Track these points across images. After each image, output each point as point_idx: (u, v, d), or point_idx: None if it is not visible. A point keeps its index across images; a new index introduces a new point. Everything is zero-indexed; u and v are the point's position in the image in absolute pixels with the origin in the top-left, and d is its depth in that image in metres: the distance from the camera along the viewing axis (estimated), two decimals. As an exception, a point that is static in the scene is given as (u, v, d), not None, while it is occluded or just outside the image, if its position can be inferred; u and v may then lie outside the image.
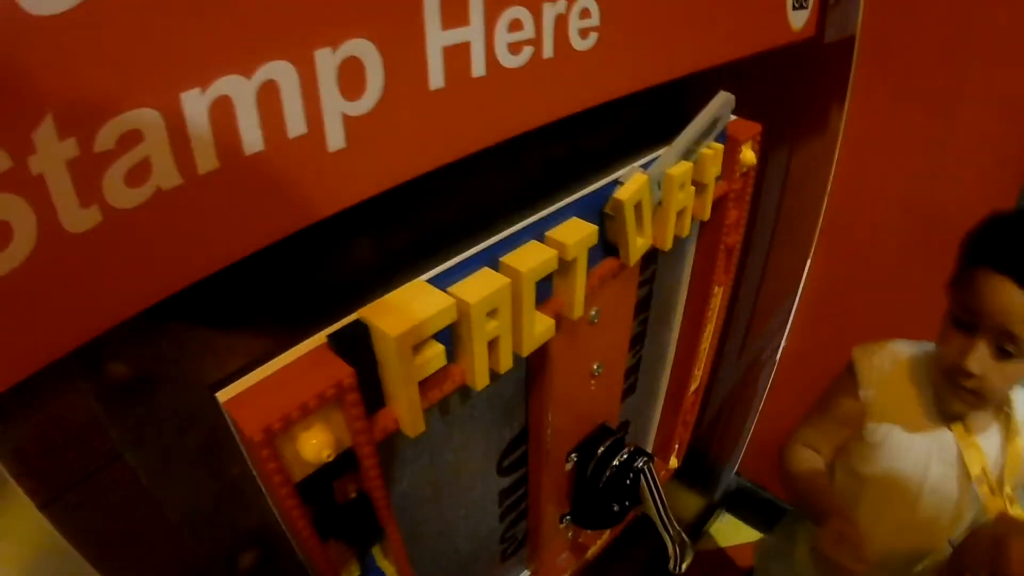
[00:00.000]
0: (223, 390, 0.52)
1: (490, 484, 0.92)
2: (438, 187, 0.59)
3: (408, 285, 0.59)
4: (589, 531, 1.14)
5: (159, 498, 0.55)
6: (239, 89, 0.40)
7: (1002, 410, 1.16)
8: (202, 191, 0.41)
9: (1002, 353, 0.99)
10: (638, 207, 0.73)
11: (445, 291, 0.60)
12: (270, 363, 0.54)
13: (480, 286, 0.61)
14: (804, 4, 0.98)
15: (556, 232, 0.67)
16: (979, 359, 1.00)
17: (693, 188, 0.83)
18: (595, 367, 0.87)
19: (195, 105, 0.38)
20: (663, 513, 0.81)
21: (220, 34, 0.38)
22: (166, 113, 0.37)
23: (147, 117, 0.37)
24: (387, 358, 0.57)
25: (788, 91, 1.22)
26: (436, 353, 0.59)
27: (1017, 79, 1.27)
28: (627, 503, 0.97)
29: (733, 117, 0.92)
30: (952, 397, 1.09)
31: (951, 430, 1.17)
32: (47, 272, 0.36)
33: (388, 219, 0.61)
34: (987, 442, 1.16)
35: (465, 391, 0.77)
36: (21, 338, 0.37)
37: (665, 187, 0.78)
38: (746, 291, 1.48)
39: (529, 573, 1.15)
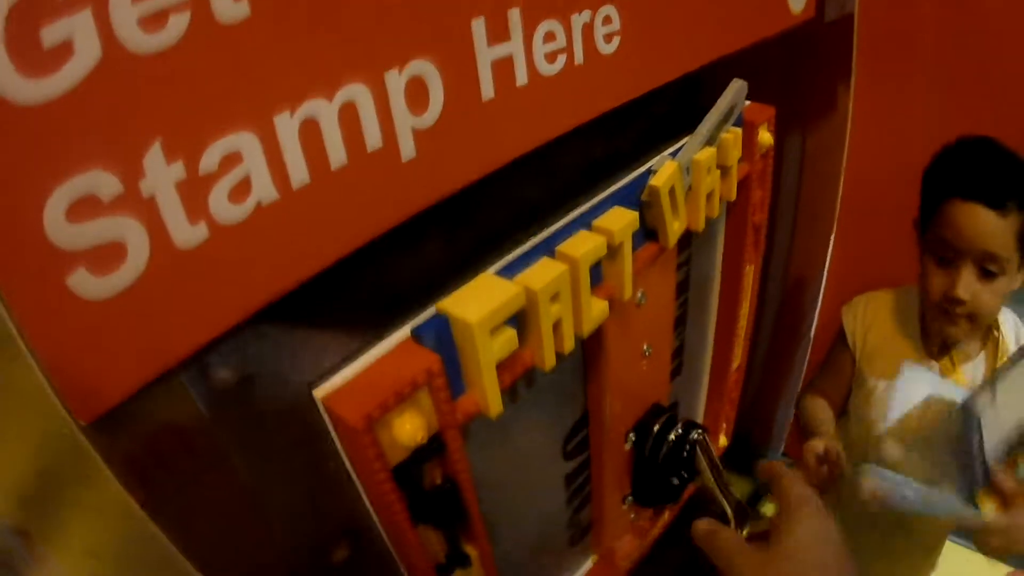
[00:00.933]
0: (319, 387, 0.58)
1: (556, 468, 0.97)
2: (494, 188, 0.65)
3: (478, 278, 0.65)
4: (650, 511, 1.18)
5: (259, 496, 0.59)
6: (323, 111, 0.45)
7: (991, 333, 1.22)
8: (297, 204, 0.45)
9: (986, 274, 1.07)
10: (672, 192, 0.79)
11: (512, 280, 0.66)
12: (361, 359, 0.60)
13: (543, 273, 0.67)
14: (802, -13, 1.03)
15: (602, 221, 0.73)
16: (967, 285, 1.07)
17: (718, 171, 0.89)
18: (645, 348, 0.92)
19: (286, 127, 0.43)
20: (720, 481, 0.86)
21: (304, 63, 0.43)
22: (262, 135, 0.42)
23: (245, 140, 0.41)
24: (468, 344, 0.62)
25: (795, 73, 1.27)
26: (510, 336, 0.65)
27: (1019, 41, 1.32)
28: (685, 476, 1.02)
29: (748, 102, 0.98)
30: (948, 327, 1.16)
31: (938, 363, 1.23)
32: (160, 287, 0.40)
33: (452, 221, 0.67)
34: (974, 371, 1.23)
35: (530, 378, 0.82)
36: (138, 350, 0.41)
37: (694, 172, 0.84)
38: (775, 270, 1.53)
39: (594, 559, 1.18)
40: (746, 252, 1.09)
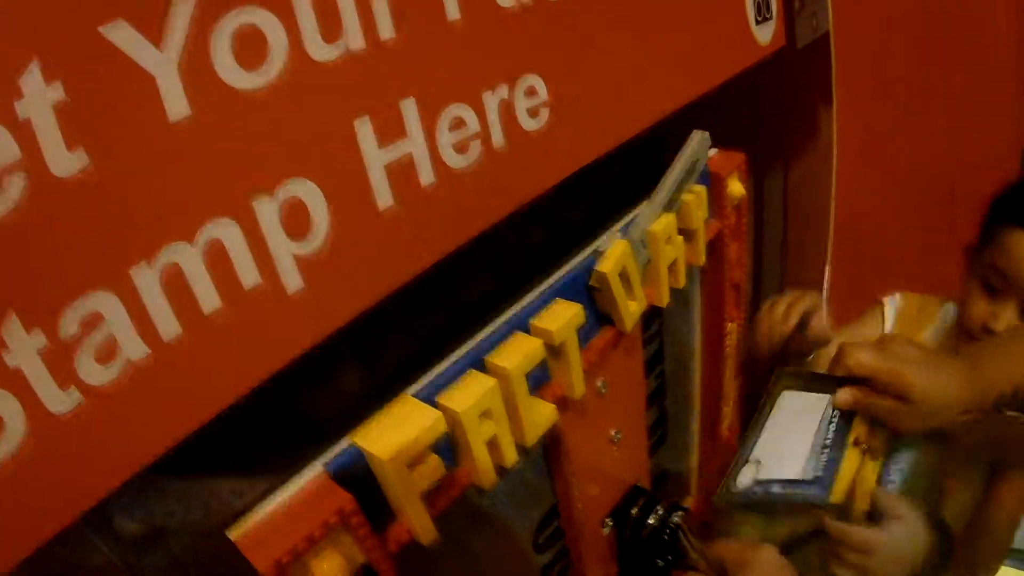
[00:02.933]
0: (234, 528, 0.53)
1: (530, 563, 0.91)
2: (414, 297, 0.58)
3: (395, 402, 0.59)
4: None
5: None
6: (185, 254, 0.41)
7: None
8: (173, 355, 0.42)
9: None
10: (623, 274, 0.71)
11: (434, 401, 0.60)
12: (274, 497, 0.55)
13: (468, 392, 0.60)
14: (768, 16, 0.96)
15: (540, 319, 0.66)
16: (1008, 321, 0.98)
17: (681, 237, 0.81)
18: (613, 435, 0.85)
19: (145, 278, 0.39)
20: (706, 559, 0.79)
21: (156, 207, 0.40)
22: (119, 291, 0.39)
23: (102, 299, 0.38)
24: (384, 479, 0.56)
25: (772, 104, 1.20)
26: (434, 465, 0.58)
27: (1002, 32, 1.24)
28: (670, 558, 0.94)
29: (714, 151, 0.91)
30: None
31: None
32: (43, 453, 0.38)
33: (369, 339, 0.60)
34: None
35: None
36: (27, 516, 0.38)
37: (650, 245, 0.76)
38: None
39: None
40: (726, 312, 1.02)
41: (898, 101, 1.40)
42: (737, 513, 1.24)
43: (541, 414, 0.67)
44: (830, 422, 0.88)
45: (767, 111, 1.19)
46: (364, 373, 0.63)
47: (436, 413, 0.57)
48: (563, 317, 0.66)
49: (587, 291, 0.72)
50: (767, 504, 0.91)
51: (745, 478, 0.87)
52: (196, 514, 0.54)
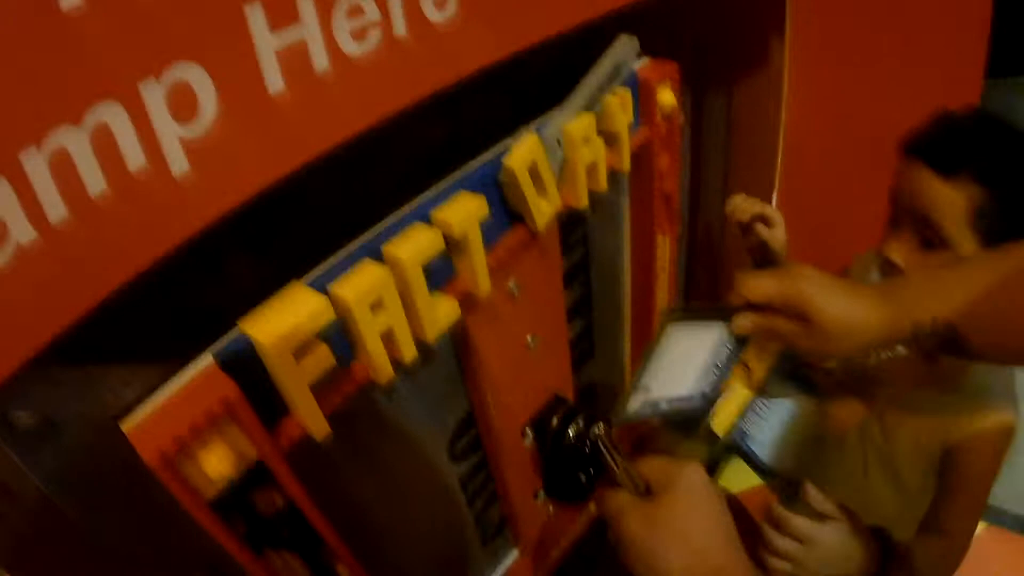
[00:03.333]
0: (126, 419, 0.51)
1: (446, 472, 0.89)
2: (317, 187, 0.57)
3: (284, 290, 0.57)
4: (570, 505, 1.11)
5: (96, 534, 0.56)
6: (72, 137, 0.40)
7: None
8: (59, 239, 0.42)
9: (924, 243, 0.97)
10: (534, 170, 0.70)
11: (327, 290, 0.58)
12: (166, 387, 0.53)
13: (359, 280, 0.58)
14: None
15: (441, 210, 0.64)
16: (899, 247, 0.99)
17: (602, 140, 0.79)
18: (529, 340, 0.84)
19: (34, 162, 0.39)
20: (629, 475, 0.78)
21: (44, 90, 0.39)
22: (9, 175, 0.39)
23: None
24: (270, 366, 0.55)
25: (719, 26, 1.17)
26: (322, 355, 0.57)
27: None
28: (591, 472, 0.94)
29: (645, 60, 0.88)
30: None
31: None
32: None
33: (274, 232, 0.61)
34: None
35: (390, 384, 0.74)
36: None
37: (566, 144, 0.74)
38: (705, 238, 1.44)
39: (517, 553, 1.12)
40: (657, 224, 1.00)
41: (855, 40, 1.36)
42: (668, 433, 1.26)
43: (442, 309, 0.65)
44: (723, 347, 0.89)
45: (713, 32, 1.16)
46: (267, 265, 0.60)
47: (323, 299, 0.55)
48: (464, 209, 0.64)
49: (497, 187, 0.70)
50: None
51: (636, 402, 0.88)
52: (90, 406, 0.53)
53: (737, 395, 0.94)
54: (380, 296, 0.59)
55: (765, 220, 1.17)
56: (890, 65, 1.34)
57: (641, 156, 0.93)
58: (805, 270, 0.80)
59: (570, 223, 0.91)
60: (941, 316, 0.72)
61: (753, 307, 0.82)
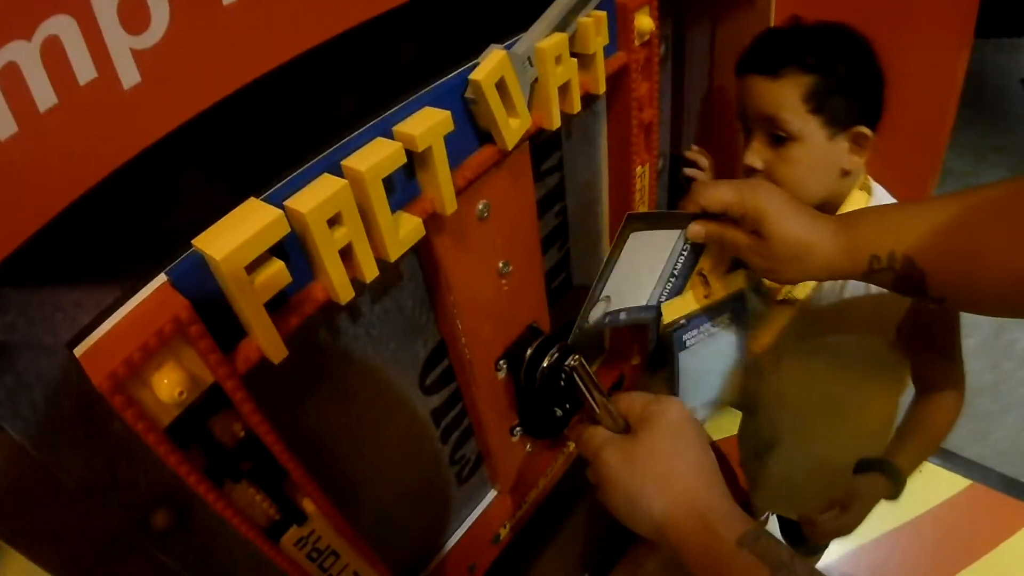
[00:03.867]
0: (79, 345, 0.50)
1: (418, 406, 0.88)
2: (279, 105, 0.56)
3: (241, 206, 0.54)
4: (549, 441, 1.10)
5: (53, 466, 0.54)
6: (23, 52, 0.40)
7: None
8: (8, 155, 0.41)
9: (775, 140, 0.99)
10: (502, 86, 0.67)
11: (283, 206, 0.55)
12: (118, 308, 0.52)
13: (315, 193, 0.56)
14: None
15: (404, 124, 0.61)
16: (755, 151, 1.01)
17: (575, 61, 0.76)
18: (501, 266, 0.81)
19: None
20: (606, 410, 0.76)
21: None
22: None
23: None
24: (223, 283, 0.53)
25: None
26: (276, 271, 0.55)
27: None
28: (568, 406, 0.92)
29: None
30: None
31: None
32: None
33: (236, 148, 0.59)
34: None
35: (356, 309, 0.72)
36: None
37: (538, 61, 0.71)
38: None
39: (495, 492, 1.12)
40: (635, 152, 0.97)
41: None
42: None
43: (405, 227, 0.63)
44: (680, 254, 0.88)
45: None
46: (230, 185, 0.59)
47: (277, 212, 0.53)
48: (428, 122, 0.61)
49: (464, 105, 0.68)
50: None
51: (596, 313, 0.88)
52: (40, 328, 0.51)
53: (686, 300, 0.94)
54: (338, 210, 0.56)
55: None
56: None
57: (618, 82, 0.91)
58: (766, 184, 0.78)
59: (544, 147, 0.89)
60: (900, 251, 0.70)
61: (710, 216, 0.81)
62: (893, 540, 1.96)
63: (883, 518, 1.86)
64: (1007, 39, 3.60)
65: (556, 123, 0.76)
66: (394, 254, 0.63)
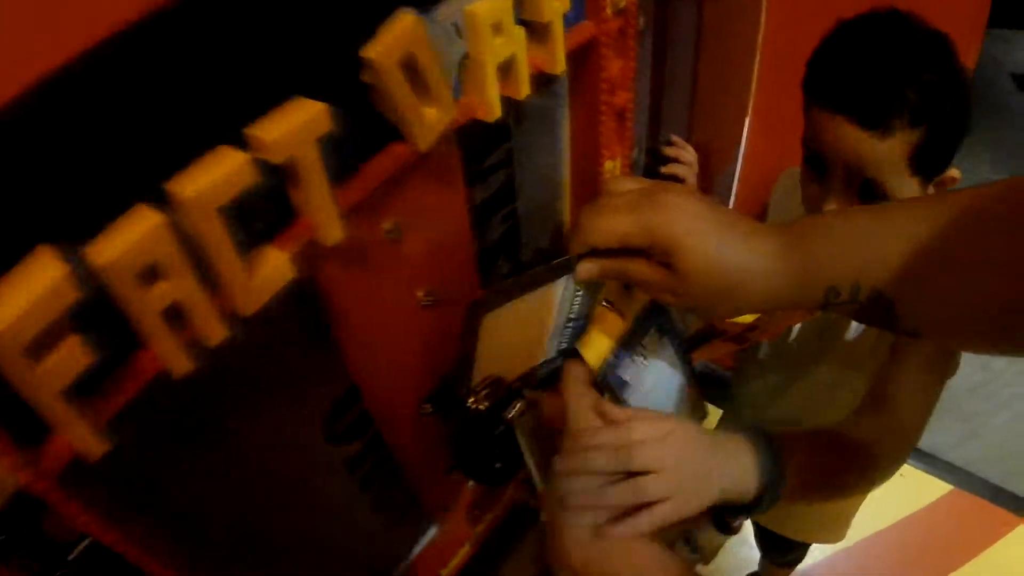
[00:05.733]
0: None
1: (320, 457, 0.73)
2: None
3: (29, 258, 0.37)
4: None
5: None
6: None
7: None
8: None
9: (865, 195, 0.84)
10: (412, 65, 0.49)
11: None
12: None
13: (120, 237, 0.38)
14: None
15: (259, 126, 0.43)
16: (837, 203, 0.86)
17: (522, 30, 0.58)
18: (421, 296, 0.65)
19: None
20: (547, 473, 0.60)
21: None
22: None
23: None
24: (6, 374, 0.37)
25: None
26: (69, 350, 0.39)
27: None
28: (509, 463, 0.76)
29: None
30: None
31: None
32: None
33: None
34: None
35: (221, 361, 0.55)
36: None
37: (469, 30, 0.53)
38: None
39: (436, 530, 1.00)
40: (604, 145, 0.82)
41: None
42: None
43: (265, 270, 0.45)
44: (575, 299, 0.71)
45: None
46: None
47: (54, 272, 0.35)
48: (291, 121, 0.43)
49: (362, 91, 0.49)
50: None
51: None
52: None
53: (602, 337, 0.75)
54: (152, 259, 0.39)
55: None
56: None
57: (584, 59, 0.75)
58: (675, 197, 0.56)
59: (486, 140, 0.71)
60: (867, 282, 0.52)
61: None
62: (872, 546, 1.90)
63: (863, 523, 1.80)
64: (997, 30, 3.50)
65: (495, 113, 0.59)
66: (248, 306, 0.45)
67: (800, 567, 1.68)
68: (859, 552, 1.87)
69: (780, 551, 1.54)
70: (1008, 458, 2.06)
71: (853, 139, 0.80)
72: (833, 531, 1.38)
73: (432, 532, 0.99)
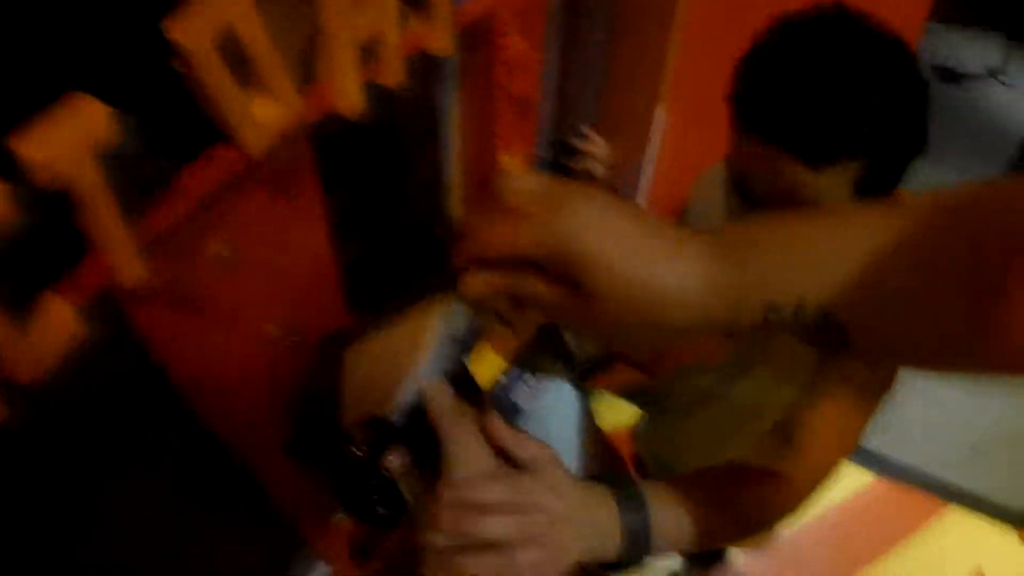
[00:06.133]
0: None
1: (181, 513, 0.65)
2: None
3: None
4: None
5: None
6: None
7: None
8: None
9: None
10: (233, 44, 0.38)
11: None
12: None
13: None
14: None
15: (23, 139, 0.31)
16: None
17: (394, 1, 0.48)
18: (272, 330, 0.55)
19: None
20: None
21: None
22: None
23: None
24: None
25: None
26: None
27: None
28: (395, 504, 0.67)
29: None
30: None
31: None
32: None
33: None
34: None
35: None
36: None
37: (323, 7, 0.43)
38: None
39: (328, 566, 0.94)
40: (501, 137, 0.74)
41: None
42: None
43: (46, 326, 0.34)
44: (457, 317, 0.62)
45: None
46: None
47: None
48: (62, 133, 0.31)
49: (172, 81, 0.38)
50: None
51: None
52: None
53: (492, 355, 0.67)
54: None
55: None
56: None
57: (478, 38, 0.67)
58: (582, 200, 0.45)
59: (342, 142, 0.60)
60: (813, 299, 0.44)
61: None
62: (799, 536, 1.94)
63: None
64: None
65: (353, 103, 0.50)
66: (31, 374, 0.35)
67: (728, 561, 1.68)
68: (787, 544, 1.91)
69: (701, 556, 1.53)
70: (927, 444, 2.13)
71: (791, 172, 0.70)
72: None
73: (322, 569, 0.93)
